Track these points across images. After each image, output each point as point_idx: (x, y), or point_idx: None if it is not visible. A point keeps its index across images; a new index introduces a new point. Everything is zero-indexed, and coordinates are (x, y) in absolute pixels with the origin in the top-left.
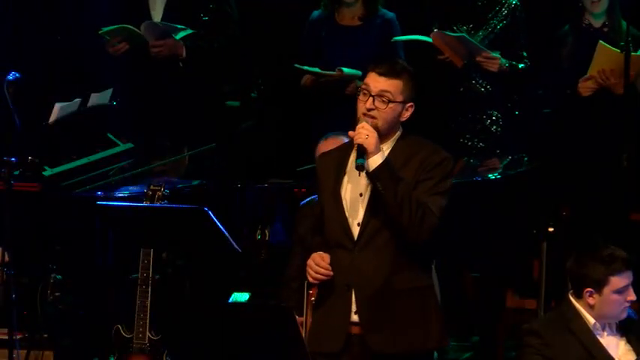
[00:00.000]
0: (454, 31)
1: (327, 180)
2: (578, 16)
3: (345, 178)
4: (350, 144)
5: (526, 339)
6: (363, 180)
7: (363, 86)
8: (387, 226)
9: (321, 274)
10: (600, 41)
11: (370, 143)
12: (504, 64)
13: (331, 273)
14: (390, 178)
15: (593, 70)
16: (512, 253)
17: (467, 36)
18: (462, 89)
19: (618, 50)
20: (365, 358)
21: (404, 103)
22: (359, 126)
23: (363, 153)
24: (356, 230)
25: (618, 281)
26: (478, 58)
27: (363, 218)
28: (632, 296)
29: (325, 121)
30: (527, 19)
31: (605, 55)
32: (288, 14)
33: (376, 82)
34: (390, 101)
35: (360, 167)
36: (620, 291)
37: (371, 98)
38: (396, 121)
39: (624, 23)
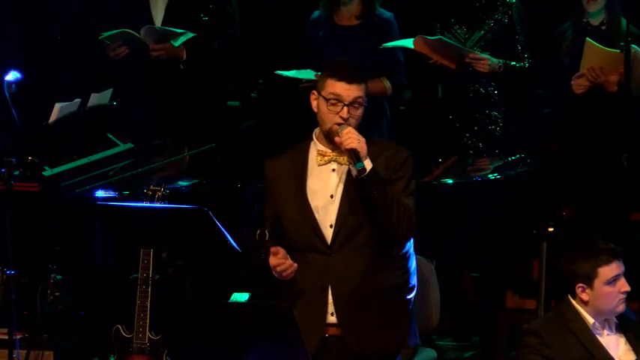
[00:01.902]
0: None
1: (284, 185)
2: (579, 13)
3: (309, 181)
4: (302, 147)
5: (525, 339)
6: (332, 182)
7: (332, 97)
8: (362, 227)
9: (287, 268)
10: (587, 38)
11: (363, 147)
12: (496, 64)
13: (289, 261)
14: (381, 180)
15: (583, 68)
16: (512, 253)
17: (444, 38)
18: (472, 88)
19: (605, 47)
20: (343, 358)
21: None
22: (346, 131)
23: (357, 157)
24: (328, 232)
25: (607, 272)
26: (467, 60)
27: (337, 220)
28: (626, 287)
29: None
30: (527, 18)
31: (593, 53)
32: (288, 14)
33: (347, 90)
34: (362, 105)
35: (362, 171)
36: (610, 282)
37: (345, 107)
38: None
39: (624, 22)
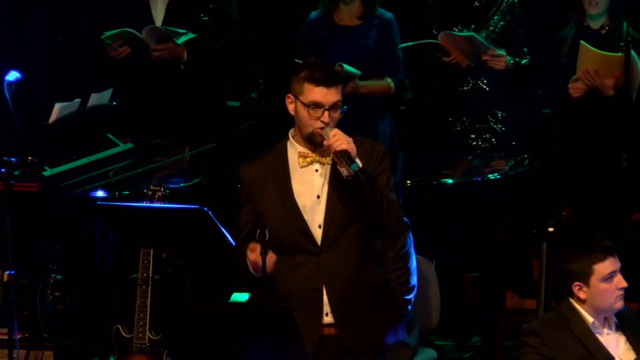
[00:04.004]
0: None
1: (265, 188)
2: (580, 16)
3: (293, 183)
4: (278, 149)
5: (525, 339)
6: (317, 182)
7: (312, 103)
8: (350, 225)
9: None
10: (581, 41)
11: (353, 147)
12: (509, 62)
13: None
14: (371, 177)
15: (579, 71)
16: (512, 253)
17: (476, 35)
18: (465, 88)
19: (599, 50)
20: (339, 356)
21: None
22: (332, 133)
23: (349, 158)
24: (318, 233)
25: (602, 268)
26: (484, 57)
27: (325, 220)
28: (623, 283)
29: None
30: (528, 18)
31: (588, 56)
32: (288, 14)
33: (327, 95)
34: (339, 107)
35: (359, 172)
36: (606, 278)
37: (327, 112)
38: None
39: (625, 25)
